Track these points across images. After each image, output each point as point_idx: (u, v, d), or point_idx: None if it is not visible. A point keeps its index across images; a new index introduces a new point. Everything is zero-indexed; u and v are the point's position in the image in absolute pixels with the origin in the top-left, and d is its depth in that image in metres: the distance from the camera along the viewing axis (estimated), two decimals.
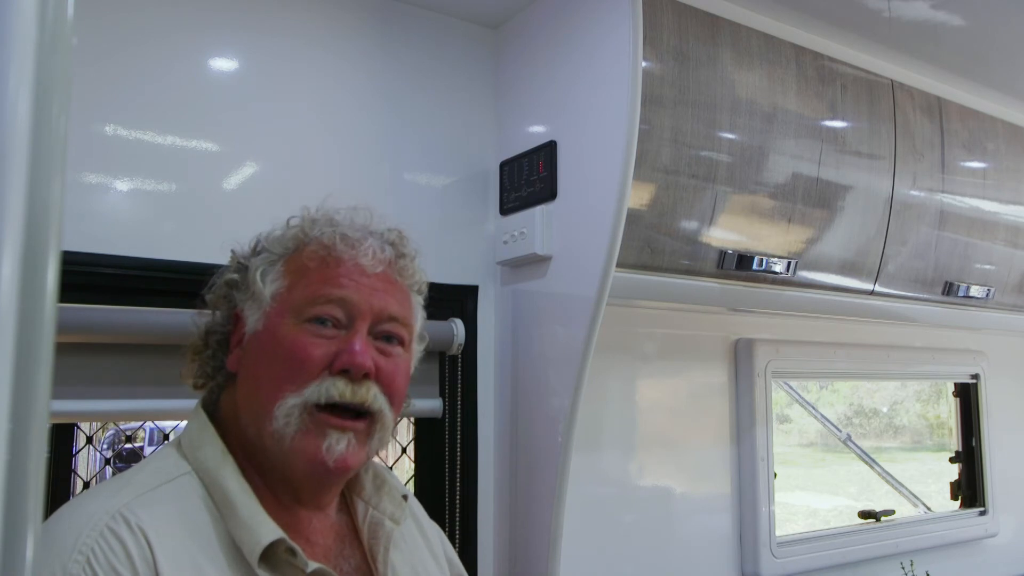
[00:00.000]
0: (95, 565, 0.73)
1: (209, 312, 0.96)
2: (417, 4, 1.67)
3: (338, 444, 0.85)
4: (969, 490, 2.60)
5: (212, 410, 0.93)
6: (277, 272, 0.91)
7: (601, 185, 1.44)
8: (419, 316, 0.98)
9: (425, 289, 1.00)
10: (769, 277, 1.73)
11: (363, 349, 0.86)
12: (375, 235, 0.93)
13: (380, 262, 0.91)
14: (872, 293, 1.95)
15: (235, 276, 0.94)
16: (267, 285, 0.90)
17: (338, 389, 0.85)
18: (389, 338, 0.91)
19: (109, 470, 2.03)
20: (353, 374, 0.85)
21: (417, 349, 0.99)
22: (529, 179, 1.61)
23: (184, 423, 0.95)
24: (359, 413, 0.87)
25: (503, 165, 1.70)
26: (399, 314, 0.92)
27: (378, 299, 0.89)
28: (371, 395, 0.87)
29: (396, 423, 0.96)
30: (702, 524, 1.96)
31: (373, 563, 0.93)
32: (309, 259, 0.90)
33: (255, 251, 0.95)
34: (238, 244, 0.97)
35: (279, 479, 0.88)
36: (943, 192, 2.04)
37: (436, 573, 1.03)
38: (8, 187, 0.32)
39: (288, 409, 0.83)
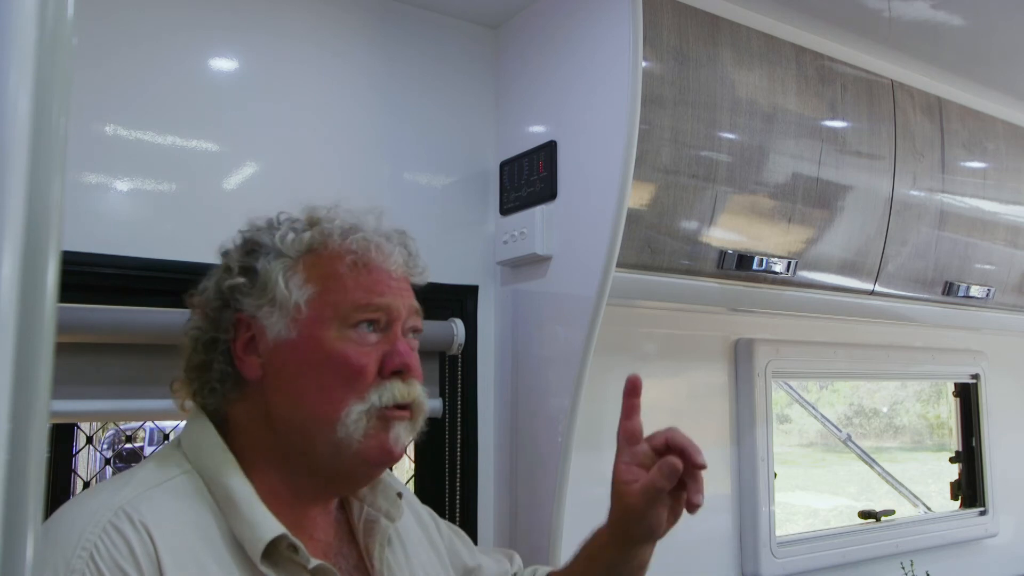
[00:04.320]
0: (99, 561, 0.74)
1: (198, 323, 0.93)
2: (417, 4, 1.67)
3: (403, 434, 0.89)
4: (969, 490, 2.60)
5: (218, 418, 0.90)
6: (300, 277, 0.89)
7: (601, 185, 1.44)
8: None
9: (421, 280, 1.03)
10: (769, 277, 1.73)
11: (406, 350, 0.90)
12: (392, 239, 0.95)
13: (400, 266, 0.94)
14: (872, 293, 1.95)
15: (240, 280, 0.90)
16: (293, 291, 0.88)
17: (398, 390, 0.89)
18: (414, 335, 0.96)
19: (109, 470, 2.03)
20: (405, 375, 0.90)
21: None
22: (529, 179, 1.61)
23: (183, 423, 0.95)
24: (407, 406, 0.91)
25: (503, 165, 1.70)
26: (418, 307, 0.96)
27: (406, 299, 0.94)
28: (417, 391, 0.91)
29: None
30: (702, 524, 1.95)
31: (369, 561, 0.94)
32: (338, 265, 0.90)
33: (254, 252, 0.92)
34: (222, 245, 0.95)
35: (311, 479, 0.89)
36: (943, 192, 2.04)
37: (436, 567, 1.03)
38: (8, 187, 0.32)
39: (356, 415, 0.86)
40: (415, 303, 0.95)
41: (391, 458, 0.90)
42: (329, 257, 0.91)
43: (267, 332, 0.89)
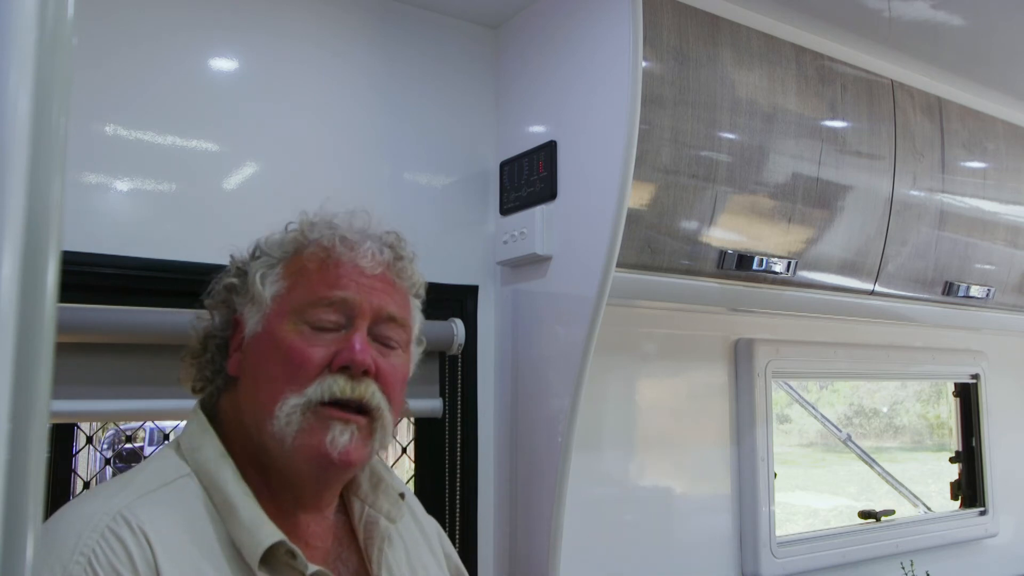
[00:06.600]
0: (96, 566, 0.73)
1: (208, 316, 0.96)
2: (417, 4, 1.67)
3: (341, 436, 0.85)
4: (969, 490, 2.60)
5: (212, 413, 0.93)
6: (276, 275, 0.91)
7: (601, 185, 1.44)
8: (417, 319, 0.98)
9: (423, 292, 1.00)
10: (769, 277, 1.73)
11: (363, 347, 0.87)
12: (373, 237, 0.93)
13: (379, 264, 0.91)
14: (872, 293, 1.95)
15: (234, 280, 0.94)
16: (267, 288, 0.90)
17: (339, 386, 0.85)
18: (387, 341, 0.92)
19: (109, 470, 2.03)
20: (353, 371, 0.86)
21: (415, 352, 0.99)
22: (529, 179, 1.61)
23: (183, 423, 0.95)
24: (360, 409, 0.87)
25: (503, 165, 1.70)
26: (397, 314, 0.92)
27: (377, 298, 0.90)
28: (370, 392, 0.87)
29: (395, 425, 0.96)
30: (702, 524, 1.96)
31: (368, 563, 0.93)
32: (309, 261, 0.90)
33: (254, 255, 0.95)
34: (237, 249, 0.97)
35: (280, 481, 0.88)
36: (943, 192, 2.04)
37: (435, 570, 1.03)
38: (8, 187, 0.32)
39: (290, 408, 0.84)
40: (390, 308, 0.90)
41: (328, 461, 0.84)
42: (303, 255, 0.91)
43: (246, 329, 0.91)
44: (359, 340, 0.87)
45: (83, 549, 0.74)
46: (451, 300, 1.66)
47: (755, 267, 1.69)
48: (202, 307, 0.97)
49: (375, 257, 0.91)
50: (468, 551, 1.63)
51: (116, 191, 1.34)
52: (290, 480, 0.88)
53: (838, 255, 1.85)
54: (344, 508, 0.98)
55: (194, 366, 0.95)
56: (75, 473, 1.52)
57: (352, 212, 0.95)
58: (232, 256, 0.97)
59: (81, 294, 1.26)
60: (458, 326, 1.58)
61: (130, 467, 0.89)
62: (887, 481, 2.72)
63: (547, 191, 1.56)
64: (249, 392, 0.89)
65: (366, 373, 0.87)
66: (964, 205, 2.10)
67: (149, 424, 1.92)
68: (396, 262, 0.94)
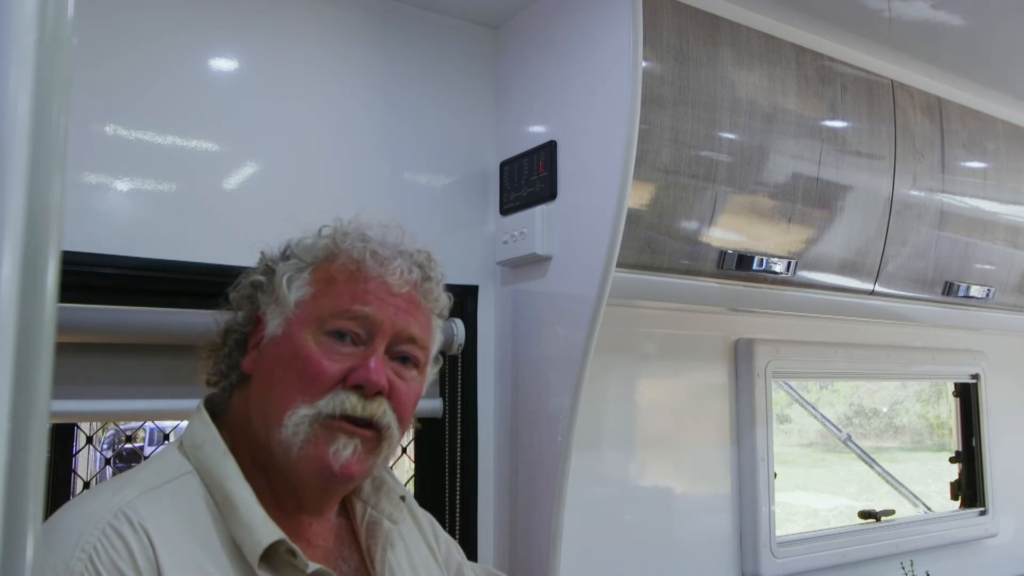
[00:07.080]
0: (98, 563, 0.74)
1: (231, 311, 0.96)
2: (417, 4, 1.67)
3: (345, 449, 0.85)
4: (969, 490, 2.60)
5: (221, 409, 0.93)
6: (304, 280, 0.91)
7: (601, 185, 1.44)
8: (437, 340, 0.99)
9: (446, 313, 1.00)
10: (769, 277, 1.73)
11: (378, 367, 0.87)
12: (404, 255, 0.93)
13: (407, 283, 0.91)
14: (872, 293, 1.95)
15: (261, 278, 0.94)
16: (292, 291, 0.90)
17: (350, 403, 0.86)
18: (405, 359, 0.92)
19: (109, 470, 2.03)
20: (366, 390, 0.86)
21: (431, 372, 0.99)
22: (529, 179, 1.61)
23: (185, 422, 0.95)
24: (368, 426, 0.87)
25: (503, 165, 1.70)
26: (418, 336, 0.92)
27: (401, 319, 0.90)
28: (381, 411, 0.87)
29: (400, 440, 0.96)
30: (702, 524, 1.96)
31: (371, 563, 0.94)
32: (338, 271, 0.90)
33: (284, 256, 0.95)
34: (268, 246, 0.98)
35: (283, 484, 0.89)
36: (943, 192, 2.04)
37: (436, 570, 1.03)
38: (8, 187, 0.32)
39: (299, 419, 0.84)
40: (412, 330, 0.91)
41: (330, 472, 0.85)
42: (333, 264, 0.92)
43: (267, 329, 0.91)
44: (375, 359, 0.87)
45: (84, 545, 0.74)
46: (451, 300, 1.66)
47: (755, 267, 1.69)
48: (226, 303, 0.97)
49: (403, 276, 0.91)
50: (468, 551, 1.63)
51: (116, 191, 1.34)
52: (292, 485, 0.89)
53: (838, 255, 1.85)
54: (345, 510, 0.98)
55: (211, 359, 0.95)
56: (75, 473, 1.53)
57: (386, 226, 0.95)
58: (263, 253, 0.97)
59: (81, 294, 1.26)
60: (458, 326, 1.58)
61: (130, 467, 0.90)
62: (887, 481, 2.72)
63: (547, 191, 1.56)
64: (260, 393, 0.90)
65: (379, 393, 0.87)
66: (964, 205, 2.10)
67: (149, 424, 1.92)
68: (424, 282, 0.94)
